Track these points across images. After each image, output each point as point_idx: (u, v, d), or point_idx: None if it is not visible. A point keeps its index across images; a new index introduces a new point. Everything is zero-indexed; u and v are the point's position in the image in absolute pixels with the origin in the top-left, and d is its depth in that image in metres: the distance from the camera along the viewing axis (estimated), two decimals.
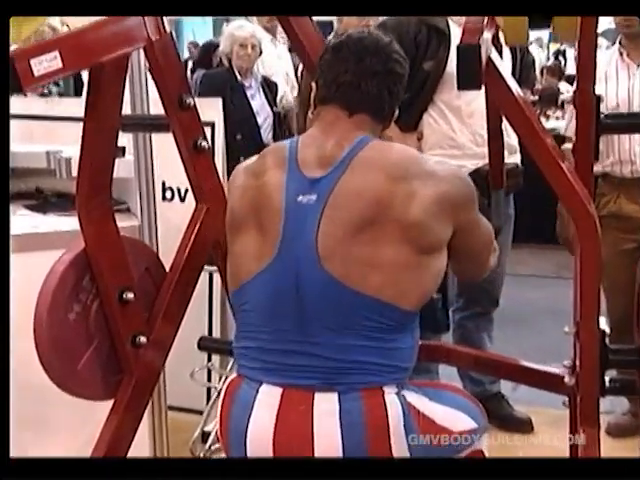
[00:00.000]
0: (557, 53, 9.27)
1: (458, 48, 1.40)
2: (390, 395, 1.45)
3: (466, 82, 1.39)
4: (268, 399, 1.46)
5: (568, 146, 1.74)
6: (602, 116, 1.74)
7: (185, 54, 8.62)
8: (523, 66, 2.85)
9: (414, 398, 1.50)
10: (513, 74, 2.74)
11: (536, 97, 5.76)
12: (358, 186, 1.43)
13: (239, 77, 4.06)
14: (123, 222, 1.95)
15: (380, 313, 1.42)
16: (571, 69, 7.33)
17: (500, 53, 1.83)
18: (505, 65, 2.56)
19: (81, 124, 1.62)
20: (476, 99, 2.46)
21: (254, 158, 1.59)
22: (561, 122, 5.37)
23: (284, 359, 1.45)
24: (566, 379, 1.76)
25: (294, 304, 1.44)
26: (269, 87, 4.18)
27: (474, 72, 1.37)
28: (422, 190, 1.43)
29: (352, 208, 1.43)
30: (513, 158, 2.77)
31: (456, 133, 2.69)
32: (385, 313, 1.42)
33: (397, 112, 1.56)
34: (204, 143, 1.76)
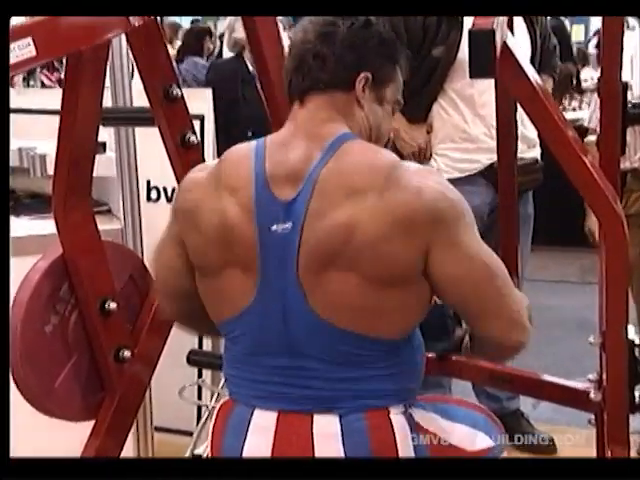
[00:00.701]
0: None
1: (470, 33, 1.40)
2: (397, 415, 1.45)
3: (478, 70, 1.39)
4: (263, 423, 1.46)
5: (592, 139, 1.74)
6: (629, 106, 1.74)
7: None
8: (544, 51, 2.85)
9: (423, 416, 1.50)
10: (533, 60, 2.74)
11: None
12: (325, 210, 1.37)
13: (251, 67, 4.03)
14: (104, 225, 1.95)
15: (370, 347, 1.42)
16: None
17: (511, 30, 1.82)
18: (522, 50, 2.55)
19: (57, 117, 1.63)
20: (490, 88, 2.46)
21: (211, 165, 1.50)
22: (580, 113, 5.37)
23: (278, 389, 1.45)
24: (592, 395, 1.76)
25: (283, 340, 1.43)
26: None
27: (487, 59, 1.37)
28: (378, 205, 1.34)
29: (322, 238, 1.37)
30: (532, 152, 2.77)
31: (469, 125, 2.69)
32: (376, 347, 1.42)
33: (365, 75, 1.44)
34: (193, 138, 1.76)
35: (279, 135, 1.46)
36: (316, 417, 1.43)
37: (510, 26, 1.67)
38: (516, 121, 2.13)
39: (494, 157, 2.55)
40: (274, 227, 1.39)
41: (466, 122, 2.69)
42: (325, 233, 1.36)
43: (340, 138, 1.41)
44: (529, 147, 2.73)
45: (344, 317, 1.40)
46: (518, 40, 2.43)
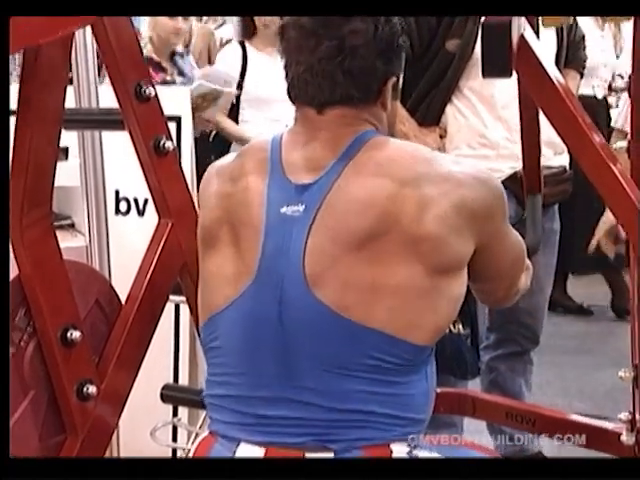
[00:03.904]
0: None
1: (483, 26, 1.42)
2: (400, 456, 1.46)
3: (492, 68, 1.41)
4: None
5: (622, 144, 1.76)
6: None
7: None
8: (570, 43, 2.85)
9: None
10: (559, 54, 2.75)
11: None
12: (357, 193, 1.45)
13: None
14: (67, 242, 1.96)
15: (387, 350, 1.43)
16: None
17: (537, 31, 1.85)
18: (545, 44, 2.56)
19: (13, 119, 1.63)
20: (513, 86, 2.48)
21: (230, 158, 1.62)
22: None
23: (266, 410, 1.46)
24: (623, 437, 1.76)
25: (277, 339, 1.45)
26: None
27: (502, 55, 1.39)
28: (436, 196, 1.45)
29: (349, 220, 1.44)
30: (560, 159, 2.77)
31: (488, 128, 2.69)
32: (393, 350, 1.44)
33: (394, 81, 1.55)
34: (168, 143, 1.77)
35: (297, 128, 1.56)
36: (308, 456, 1.44)
37: (530, 20, 1.68)
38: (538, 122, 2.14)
39: (517, 165, 2.53)
40: (284, 209, 1.48)
41: (485, 126, 2.68)
42: (356, 217, 1.44)
43: (368, 133, 1.51)
44: (556, 153, 2.73)
45: (368, 310, 1.42)
46: (541, 32, 2.43)
